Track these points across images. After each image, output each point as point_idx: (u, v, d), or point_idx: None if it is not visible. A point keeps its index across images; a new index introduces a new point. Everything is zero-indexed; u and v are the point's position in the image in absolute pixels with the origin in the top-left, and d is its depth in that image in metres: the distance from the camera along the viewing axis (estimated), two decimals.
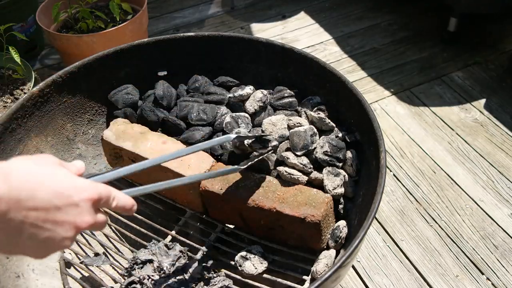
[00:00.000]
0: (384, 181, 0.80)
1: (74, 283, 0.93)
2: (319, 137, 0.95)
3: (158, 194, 1.04)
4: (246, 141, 0.92)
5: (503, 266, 1.33)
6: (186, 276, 0.87)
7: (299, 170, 0.91)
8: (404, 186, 1.56)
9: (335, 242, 0.88)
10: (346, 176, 0.93)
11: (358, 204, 0.92)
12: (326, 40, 2.23)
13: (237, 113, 1.02)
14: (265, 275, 0.88)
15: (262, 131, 0.98)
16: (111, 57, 1.12)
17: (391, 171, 1.61)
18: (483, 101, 1.86)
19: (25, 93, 1.66)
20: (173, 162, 0.96)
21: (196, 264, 0.89)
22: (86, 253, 0.99)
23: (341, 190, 0.91)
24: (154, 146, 0.99)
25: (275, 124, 0.97)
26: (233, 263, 0.90)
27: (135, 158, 1.00)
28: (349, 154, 0.95)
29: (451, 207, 1.48)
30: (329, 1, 2.48)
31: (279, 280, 0.87)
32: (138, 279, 0.87)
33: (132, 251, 0.97)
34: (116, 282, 0.93)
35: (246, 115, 1.02)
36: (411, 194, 1.53)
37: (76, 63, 1.09)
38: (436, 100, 1.87)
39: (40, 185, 0.48)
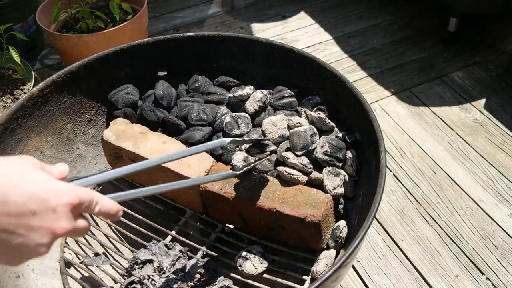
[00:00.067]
0: (384, 181, 0.80)
1: (74, 283, 0.93)
2: (319, 137, 0.95)
3: (158, 194, 1.04)
4: (243, 146, 0.92)
5: (503, 266, 1.33)
6: (186, 276, 0.87)
7: (299, 170, 0.91)
8: (404, 186, 1.56)
9: (335, 242, 0.88)
10: (346, 176, 0.93)
11: (358, 204, 0.92)
12: (326, 40, 2.23)
13: (237, 113, 1.02)
14: (265, 275, 0.88)
15: (262, 131, 0.98)
16: (111, 57, 1.12)
17: (391, 171, 1.61)
18: (483, 101, 1.86)
19: (25, 93, 1.66)
20: (173, 162, 0.96)
21: (196, 264, 0.89)
22: (86, 253, 0.99)
23: (341, 190, 0.91)
24: (154, 146, 0.99)
25: (275, 124, 0.97)
26: (233, 263, 0.90)
27: (135, 158, 1.00)
28: (349, 154, 0.95)
29: (451, 207, 1.48)
30: (329, 1, 2.48)
31: (279, 280, 0.87)
32: (138, 279, 0.87)
33: (132, 251, 0.97)
34: (116, 282, 0.93)
35: (246, 115, 1.02)
36: (411, 194, 1.53)
37: (76, 63, 1.09)
38: (436, 100, 1.87)
39: (13, 188, 0.45)
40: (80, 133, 1.13)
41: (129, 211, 1.01)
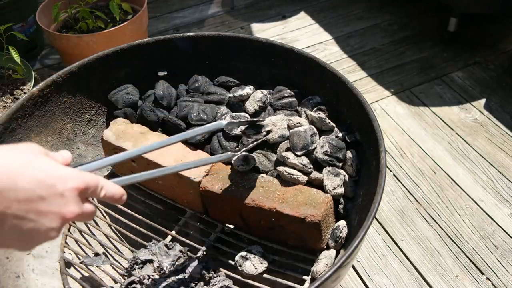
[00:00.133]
0: (384, 181, 0.80)
1: (74, 283, 0.93)
2: (319, 137, 0.95)
3: (158, 194, 1.05)
4: (239, 128, 0.92)
5: (503, 266, 1.33)
6: (186, 276, 0.87)
7: (299, 170, 0.91)
8: (404, 186, 1.56)
9: (335, 242, 0.88)
10: (346, 176, 0.93)
11: (358, 204, 0.91)
12: (326, 40, 2.23)
13: (237, 113, 1.02)
14: (265, 275, 0.88)
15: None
16: (111, 57, 1.12)
17: (391, 171, 1.61)
18: (483, 101, 1.86)
19: (25, 93, 1.66)
20: (173, 162, 0.96)
21: (196, 264, 0.89)
22: (86, 253, 0.99)
23: (341, 190, 0.91)
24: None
25: (275, 124, 0.97)
26: (233, 263, 0.90)
27: (135, 158, 1.00)
28: (349, 154, 0.95)
29: (451, 207, 1.48)
30: (329, 1, 2.48)
31: (279, 280, 0.87)
32: (138, 279, 0.87)
33: (132, 251, 0.97)
34: (116, 282, 0.93)
35: (246, 115, 1.02)
36: (411, 194, 1.54)
37: (76, 63, 1.09)
38: (436, 100, 1.87)
39: (21, 174, 0.46)
40: (80, 133, 1.13)
41: (129, 211, 1.01)
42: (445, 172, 1.59)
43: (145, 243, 0.95)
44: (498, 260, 1.34)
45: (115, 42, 1.26)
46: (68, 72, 1.07)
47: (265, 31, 2.31)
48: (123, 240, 1.03)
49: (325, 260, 0.85)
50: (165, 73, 1.18)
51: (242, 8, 2.49)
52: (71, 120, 1.12)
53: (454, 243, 1.39)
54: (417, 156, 1.65)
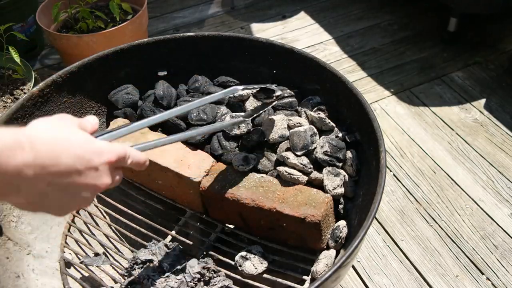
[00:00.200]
0: (384, 181, 0.80)
1: (74, 283, 0.93)
2: (319, 137, 0.95)
3: (158, 194, 1.05)
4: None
5: (503, 266, 1.33)
6: (186, 276, 0.87)
7: (299, 170, 0.91)
8: (404, 186, 1.56)
9: (335, 242, 0.88)
10: (346, 176, 0.93)
11: (358, 204, 0.91)
12: (326, 40, 2.23)
13: (237, 113, 1.02)
14: (265, 275, 0.88)
15: (263, 131, 0.97)
16: (111, 57, 1.12)
17: (391, 171, 1.61)
18: (483, 101, 1.86)
19: (25, 93, 1.66)
20: (173, 162, 0.96)
21: (196, 264, 0.89)
22: (86, 253, 0.99)
23: (341, 190, 0.91)
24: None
25: (275, 124, 0.97)
26: (233, 263, 0.90)
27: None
28: (349, 154, 0.95)
29: (451, 207, 1.48)
30: (329, 1, 2.48)
31: (279, 280, 0.87)
32: (138, 279, 0.87)
33: (132, 251, 0.97)
34: (116, 282, 0.93)
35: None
36: (411, 194, 1.54)
37: (76, 63, 1.09)
38: (436, 100, 1.87)
39: (62, 151, 0.50)
40: None
41: (129, 211, 1.01)
42: (445, 172, 1.59)
43: (145, 243, 0.95)
44: (498, 260, 1.34)
45: (115, 42, 1.26)
46: (68, 72, 1.07)
47: (265, 31, 2.31)
48: (123, 240, 1.03)
49: (325, 260, 0.85)
50: (165, 73, 1.18)
51: (242, 8, 2.49)
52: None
53: (454, 243, 1.39)
54: (417, 156, 1.65)
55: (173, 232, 0.98)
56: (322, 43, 2.21)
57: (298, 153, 0.91)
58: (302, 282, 0.87)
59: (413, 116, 1.81)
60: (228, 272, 0.90)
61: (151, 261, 0.90)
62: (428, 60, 2.06)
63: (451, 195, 1.52)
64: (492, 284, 1.29)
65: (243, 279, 0.88)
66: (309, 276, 0.87)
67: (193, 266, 0.88)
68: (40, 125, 0.52)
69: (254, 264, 0.88)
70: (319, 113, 0.99)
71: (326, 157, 0.92)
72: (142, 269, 0.89)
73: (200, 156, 0.98)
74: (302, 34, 2.27)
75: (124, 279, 0.91)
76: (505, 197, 1.50)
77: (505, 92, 1.88)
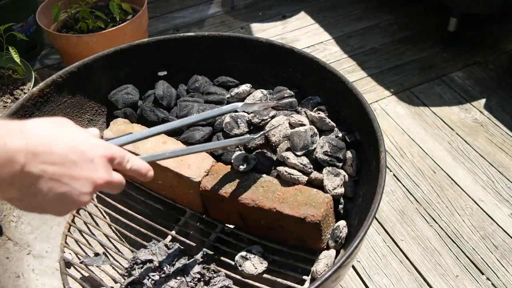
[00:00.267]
0: (384, 181, 0.80)
1: (74, 283, 0.93)
2: (319, 137, 0.95)
3: (158, 194, 1.05)
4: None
5: (503, 266, 1.33)
6: (186, 276, 0.87)
7: (299, 170, 0.91)
8: (404, 186, 1.56)
9: (335, 242, 0.88)
10: (346, 176, 0.93)
11: (358, 204, 0.91)
12: (326, 40, 2.23)
13: (237, 113, 1.02)
14: (265, 275, 0.88)
15: (266, 137, 0.97)
16: (111, 57, 1.12)
17: (391, 171, 1.61)
18: (483, 101, 1.86)
19: (25, 93, 1.66)
20: (173, 162, 0.96)
21: (196, 264, 0.89)
22: (86, 253, 0.99)
23: (341, 190, 0.91)
24: (154, 146, 0.99)
25: (276, 126, 0.97)
26: (233, 263, 0.90)
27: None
28: (349, 154, 0.95)
29: (451, 207, 1.48)
30: (329, 1, 2.48)
31: (279, 280, 0.87)
32: (138, 279, 0.87)
33: (132, 251, 0.97)
34: (116, 282, 0.93)
35: (246, 114, 1.02)
36: (411, 194, 1.54)
37: (76, 63, 1.09)
38: (436, 100, 1.87)
39: (55, 140, 0.49)
40: None
41: (129, 211, 1.01)
42: (445, 172, 1.59)
43: (145, 243, 0.95)
44: (498, 260, 1.34)
45: (115, 42, 1.26)
46: (68, 72, 1.07)
47: (265, 31, 2.31)
48: (123, 240, 1.03)
49: (325, 260, 0.85)
50: (165, 73, 1.18)
51: (242, 8, 2.49)
52: (71, 120, 1.11)
53: (454, 243, 1.39)
54: (417, 156, 1.65)
55: (173, 232, 0.98)
56: (322, 43, 2.21)
57: (298, 153, 0.91)
58: (302, 282, 0.87)
59: (413, 116, 1.81)
60: (228, 272, 0.90)
61: (151, 261, 0.90)
62: (428, 60, 2.06)
63: (451, 195, 1.52)
64: (492, 284, 1.29)
65: (243, 279, 0.88)
66: (309, 276, 0.87)
67: (193, 266, 0.88)
68: (34, 120, 0.51)
69: (254, 264, 0.88)
70: (319, 113, 0.99)
71: (326, 157, 0.92)
72: (142, 269, 0.89)
73: (200, 156, 0.98)
74: (302, 34, 2.27)
75: (124, 279, 0.91)
76: (505, 197, 1.50)
77: (505, 92, 1.88)
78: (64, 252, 0.98)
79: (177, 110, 1.08)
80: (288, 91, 1.06)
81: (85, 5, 1.85)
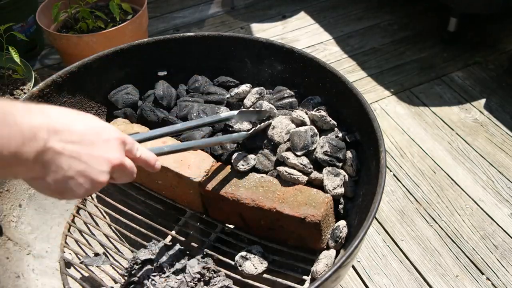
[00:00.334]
0: (384, 181, 0.80)
1: (74, 283, 0.93)
2: (320, 137, 0.95)
3: (158, 194, 1.05)
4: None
5: (503, 266, 1.33)
6: (186, 276, 0.87)
7: (299, 170, 0.91)
8: (404, 186, 1.56)
9: (335, 242, 0.88)
10: (346, 176, 0.93)
11: (358, 204, 0.91)
12: (326, 40, 2.23)
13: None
14: (265, 275, 0.88)
15: (269, 138, 0.97)
16: (111, 57, 1.12)
17: (391, 171, 1.61)
18: (483, 101, 1.86)
19: (25, 93, 1.66)
20: (173, 162, 0.96)
21: (196, 264, 0.89)
22: (86, 253, 0.99)
23: (341, 190, 0.91)
24: (153, 144, 0.99)
25: (276, 127, 0.97)
26: (233, 263, 0.90)
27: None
28: (349, 154, 0.95)
29: (451, 207, 1.48)
30: (329, 1, 2.48)
31: (279, 280, 0.87)
32: (138, 279, 0.87)
33: (132, 251, 0.97)
34: (116, 282, 0.93)
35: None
36: (411, 194, 1.54)
37: (76, 63, 1.09)
38: (436, 100, 1.87)
39: (74, 121, 0.52)
40: None
41: (129, 211, 1.01)
42: (445, 172, 1.59)
43: (145, 243, 0.95)
44: (498, 260, 1.34)
45: (115, 42, 1.26)
46: (68, 72, 1.07)
47: (265, 31, 2.31)
48: (123, 240, 1.03)
49: (325, 260, 0.85)
50: (165, 73, 1.18)
51: (242, 8, 2.49)
52: None
53: (454, 243, 1.39)
54: (417, 156, 1.65)
55: (173, 232, 0.98)
56: (322, 43, 2.21)
57: (298, 153, 0.91)
58: (302, 282, 0.87)
59: (413, 116, 1.81)
60: (228, 272, 0.90)
61: (151, 261, 0.90)
62: (428, 60, 2.06)
63: (451, 195, 1.52)
64: (492, 284, 1.29)
65: (243, 279, 0.88)
66: (309, 276, 0.87)
67: (193, 266, 0.88)
68: (51, 105, 0.53)
69: (254, 264, 0.88)
70: (320, 111, 0.99)
71: (326, 157, 0.92)
72: (142, 269, 0.89)
73: (200, 156, 0.98)
74: (302, 34, 2.27)
75: (124, 279, 0.91)
76: (505, 197, 1.50)
77: (505, 92, 1.88)
78: (64, 252, 0.98)
79: (177, 110, 1.08)
80: (288, 91, 1.06)
81: (85, 5, 1.85)
